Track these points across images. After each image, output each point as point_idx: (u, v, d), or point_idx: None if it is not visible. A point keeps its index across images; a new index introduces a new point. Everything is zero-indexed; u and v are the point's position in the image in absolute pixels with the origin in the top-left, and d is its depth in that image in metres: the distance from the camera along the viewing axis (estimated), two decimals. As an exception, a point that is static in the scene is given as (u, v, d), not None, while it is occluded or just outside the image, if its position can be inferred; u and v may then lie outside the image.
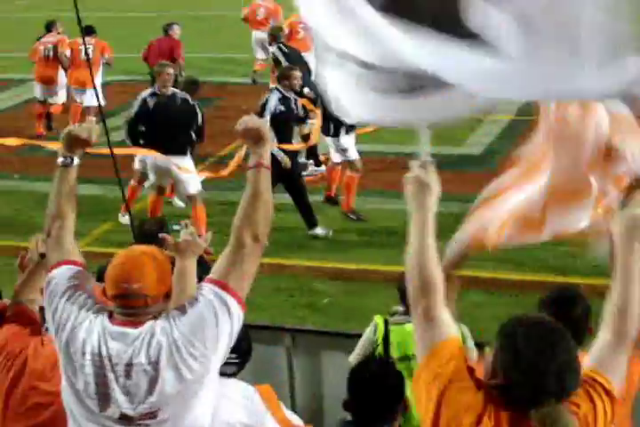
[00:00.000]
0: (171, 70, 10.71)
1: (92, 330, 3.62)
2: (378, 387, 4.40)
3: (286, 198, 10.32)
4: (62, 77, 15.57)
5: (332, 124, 11.01)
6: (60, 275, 3.82)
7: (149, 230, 6.54)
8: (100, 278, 5.34)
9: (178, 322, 3.56)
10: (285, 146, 10.53)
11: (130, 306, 3.61)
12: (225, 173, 11.06)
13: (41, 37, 15.93)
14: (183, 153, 10.48)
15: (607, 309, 3.32)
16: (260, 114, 10.34)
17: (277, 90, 10.78)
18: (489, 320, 7.53)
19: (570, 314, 4.38)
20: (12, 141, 10.96)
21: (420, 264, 3.28)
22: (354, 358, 5.74)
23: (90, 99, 14.79)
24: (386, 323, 5.74)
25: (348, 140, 11.20)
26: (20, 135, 11.94)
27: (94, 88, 9.71)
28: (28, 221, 10.80)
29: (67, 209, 3.97)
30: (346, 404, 4.43)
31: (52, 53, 15.54)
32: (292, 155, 10.75)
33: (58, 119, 15.62)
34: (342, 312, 8.68)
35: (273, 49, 15.00)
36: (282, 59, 14.50)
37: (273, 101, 10.58)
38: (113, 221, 11.19)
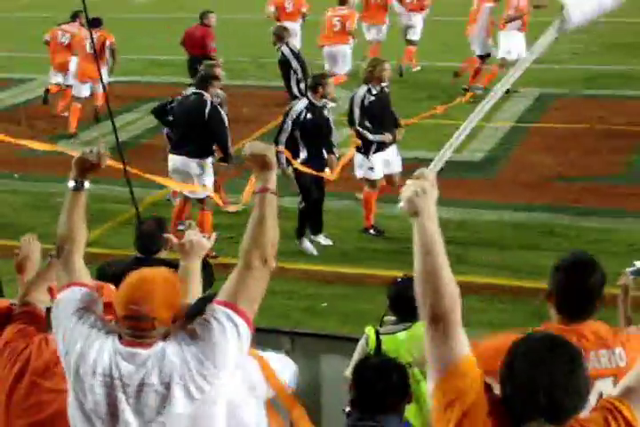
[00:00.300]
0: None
1: (102, 351, 3.65)
2: (383, 382, 4.45)
3: (284, 203, 10.36)
4: (74, 65, 15.79)
5: (362, 142, 10.65)
6: (69, 297, 3.86)
7: (148, 230, 6.50)
8: (100, 278, 5.41)
9: (189, 343, 3.60)
10: (311, 170, 10.18)
11: (138, 328, 3.64)
12: (237, 208, 10.63)
13: (62, 24, 16.23)
14: (202, 156, 10.34)
15: None
16: (282, 122, 10.25)
17: (306, 97, 10.40)
18: (485, 326, 7.60)
19: (586, 281, 4.24)
20: (39, 146, 10.72)
21: (435, 282, 3.08)
22: (349, 372, 5.75)
23: (85, 90, 15.43)
24: (377, 333, 5.73)
25: (377, 159, 10.71)
26: (21, 135, 11.92)
27: (101, 81, 9.95)
28: (27, 222, 10.85)
29: (77, 232, 4.02)
30: (352, 401, 4.47)
31: (67, 41, 15.92)
32: (324, 166, 10.43)
33: (62, 123, 15.69)
34: (340, 316, 8.73)
35: (283, 48, 14.73)
36: (291, 58, 14.55)
37: (297, 109, 10.18)
38: (112, 222, 11.22)
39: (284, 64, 14.71)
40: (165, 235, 5.49)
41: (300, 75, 14.47)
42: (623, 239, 10.20)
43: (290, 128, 10.12)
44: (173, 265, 4.53)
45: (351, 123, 10.67)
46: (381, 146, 10.66)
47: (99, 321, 3.76)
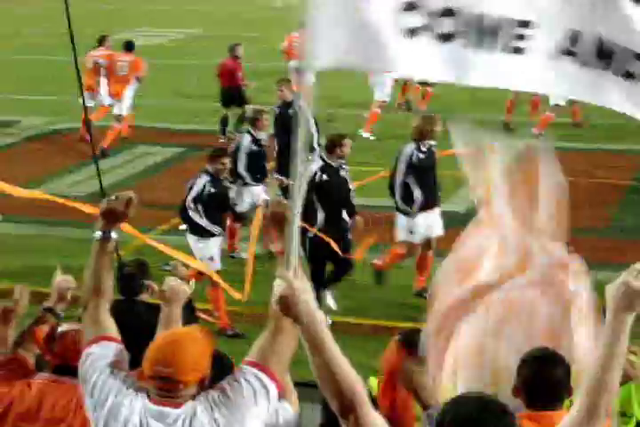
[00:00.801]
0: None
1: (133, 409, 3.66)
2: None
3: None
4: (104, 87, 16.67)
5: (402, 201, 10.33)
6: (100, 351, 3.85)
7: (128, 273, 6.49)
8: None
9: (219, 403, 3.62)
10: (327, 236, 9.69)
11: (164, 388, 3.65)
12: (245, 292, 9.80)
13: (91, 50, 16.84)
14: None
15: (585, 380, 3.24)
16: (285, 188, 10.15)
17: (321, 158, 10.06)
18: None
19: (551, 373, 4.27)
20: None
21: (332, 378, 3.12)
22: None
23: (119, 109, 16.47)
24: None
25: (420, 220, 10.40)
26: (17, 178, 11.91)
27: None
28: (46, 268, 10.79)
29: (104, 284, 3.98)
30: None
31: (99, 65, 16.69)
32: (343, 233, 10.03)
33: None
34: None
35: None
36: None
37: (312, 170, 9.69)
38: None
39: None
40: (146, 282, 5.50)
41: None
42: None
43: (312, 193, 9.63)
44: (154, 308, 4.54)
45: (393, 181, 10.33)
46: (426, 205, 10.37)
47: (129, 377, 3.77)
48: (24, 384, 4.43)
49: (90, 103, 16.13)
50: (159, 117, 18.89)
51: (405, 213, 10.34)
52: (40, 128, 18.59)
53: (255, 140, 11.82)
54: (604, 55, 3.52)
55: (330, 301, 10.17)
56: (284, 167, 10.96)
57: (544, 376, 4.25)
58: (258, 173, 11.88)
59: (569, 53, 3.55)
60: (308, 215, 9.61)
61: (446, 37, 3.47)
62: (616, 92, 3.60)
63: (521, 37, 3.52)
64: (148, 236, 10.31)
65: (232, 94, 16.90)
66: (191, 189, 9.98)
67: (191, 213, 9.94)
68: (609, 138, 17.10)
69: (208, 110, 18.64)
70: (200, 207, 9.86)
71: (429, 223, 10.47)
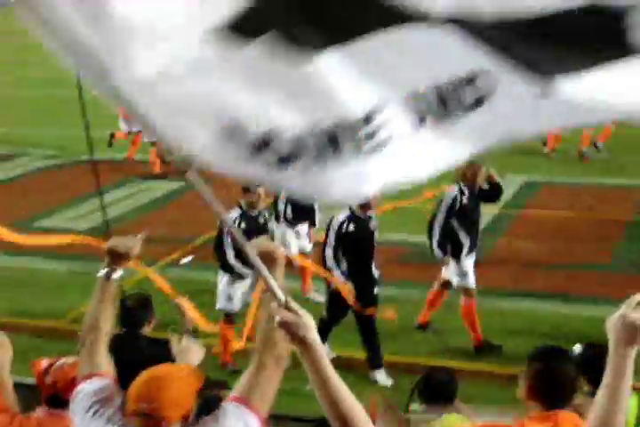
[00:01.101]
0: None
1: None
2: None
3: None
4: None
5: (452, 244, 10.11)
6: (89, 388, 3.86)
7: (131, 306, 6.43)
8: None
9: None
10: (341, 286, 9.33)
11: (146, 425, 3.62)
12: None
13: None
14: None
15: (590, 416, 3.13)
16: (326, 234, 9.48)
17: (349, 208, 9.50)
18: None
19: (561, 368, 4.30)
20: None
21: (332, 401, 3.06)
22: None
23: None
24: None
25: (469, 263, 10.21)
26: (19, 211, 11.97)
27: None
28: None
29: (103, 321, 4.00)
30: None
31: None
32: (370, 283, 9.60)
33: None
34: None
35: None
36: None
37: (339, 220, 9.39)
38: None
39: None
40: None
41: None
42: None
43: (333, 241, 9.37)
44: (156, 342, 4.53)
45: (434, 223, 10.10)
46: (472, 248, 10.19)
47: (116, 415, 3.76)
48: (24, 417, 4.43)
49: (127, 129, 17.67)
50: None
51: (454, 256, 10.13)
52: (42, 162, 18.68)
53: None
54: (443, 101, 3.02)
55: (385, 379, 9.54)
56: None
57: (555, 371, 4.26)
58: (302, 212, 11.26)
59: (421, 121, 3.05)
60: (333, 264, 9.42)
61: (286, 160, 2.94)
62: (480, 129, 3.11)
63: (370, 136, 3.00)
64: (149, 270, 10.32)
65: None
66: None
67: (226, 251, 9.44)
68: (610, 172, 17.15)
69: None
70: (231, 244, 9.25)
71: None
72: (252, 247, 3.33)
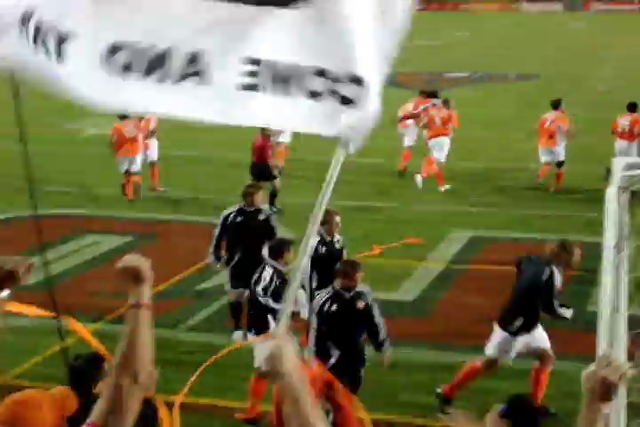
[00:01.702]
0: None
1: None
2: None
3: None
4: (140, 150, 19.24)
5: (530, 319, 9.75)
6: None
7: (80, 368, 6.36)
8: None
9: None
10: None
11: None
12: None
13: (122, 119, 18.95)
14: None
15: None
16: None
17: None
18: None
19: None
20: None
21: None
22: None
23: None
24: None
25: (520, 342, 9.83)
26: None
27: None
28: None
29: None
30: None
31: (133, 134, 18.94)
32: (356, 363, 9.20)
33: None
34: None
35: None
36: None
37: (321, 299, 9.08)
38: (41, 355, 10.99)
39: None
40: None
41: None
42: (564, 382, 10.08)
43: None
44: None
45: (549, 307, 9.67)
46: (530, 325, 9.83)
47: None
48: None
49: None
50: (110, 205, 18.87)
51: (509, 330, 9.81)
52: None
53: (325, 243, 10.61)
54: (281, 79, 3.33)
55: None
56: None
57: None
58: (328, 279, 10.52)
59: (250, 88, 3.39)
60: (322, 352, 9.06)
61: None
62: (299, 114, 3.38)
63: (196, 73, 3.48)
64: (95, 326, 10.16)
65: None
66: (256, 283, 9.62)
67: (263, 300, 9.57)
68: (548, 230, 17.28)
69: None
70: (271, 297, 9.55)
71: (530, 341, 9.95)
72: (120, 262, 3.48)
